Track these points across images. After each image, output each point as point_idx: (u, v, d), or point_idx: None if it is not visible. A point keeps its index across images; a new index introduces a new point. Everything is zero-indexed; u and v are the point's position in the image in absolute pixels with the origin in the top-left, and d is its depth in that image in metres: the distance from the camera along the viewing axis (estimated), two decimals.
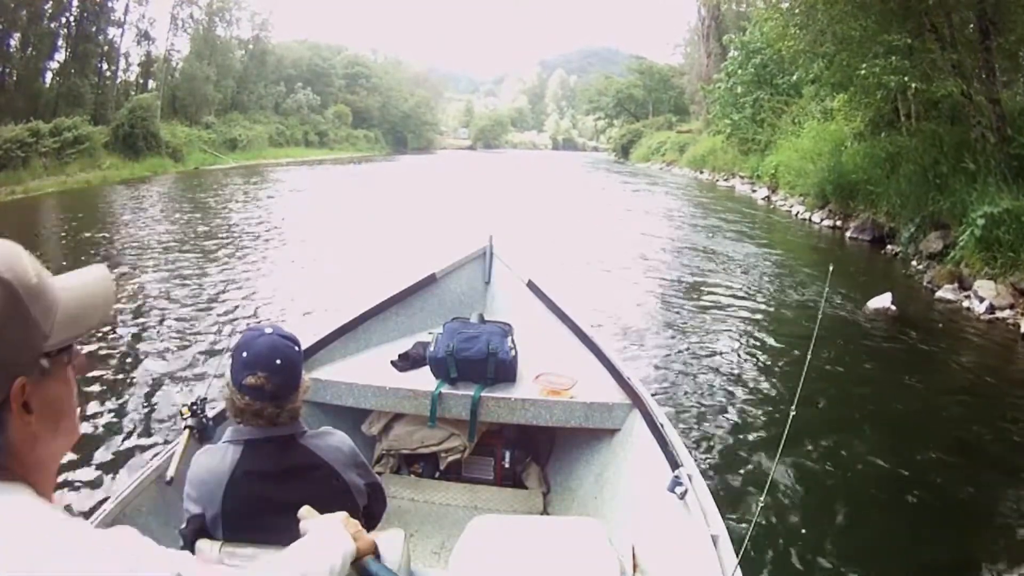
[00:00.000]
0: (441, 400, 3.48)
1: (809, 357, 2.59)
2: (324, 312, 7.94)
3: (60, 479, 4.25)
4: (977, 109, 10.90)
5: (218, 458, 1.93)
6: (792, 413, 2.23)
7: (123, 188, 25.14)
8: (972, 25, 11.12)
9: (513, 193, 27.94)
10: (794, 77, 20.09)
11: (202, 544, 1.88)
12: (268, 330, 1.97)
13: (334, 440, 2.07)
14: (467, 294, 4.81)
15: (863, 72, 11.60)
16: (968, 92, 10.80)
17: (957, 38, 11.19)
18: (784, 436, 2.22)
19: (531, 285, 4.49)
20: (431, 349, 3.60)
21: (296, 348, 1.99)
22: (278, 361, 1.91)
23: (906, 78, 11.09)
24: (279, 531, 1.78)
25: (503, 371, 3.55)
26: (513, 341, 3.66)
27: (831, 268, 4.04)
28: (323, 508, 1.87)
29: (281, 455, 1.94)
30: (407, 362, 3.80)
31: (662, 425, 3.01)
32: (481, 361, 3.50)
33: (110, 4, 38.09)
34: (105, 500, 2.86)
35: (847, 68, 13.00)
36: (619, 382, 3.46)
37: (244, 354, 1.90)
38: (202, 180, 29.58)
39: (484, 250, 4.96)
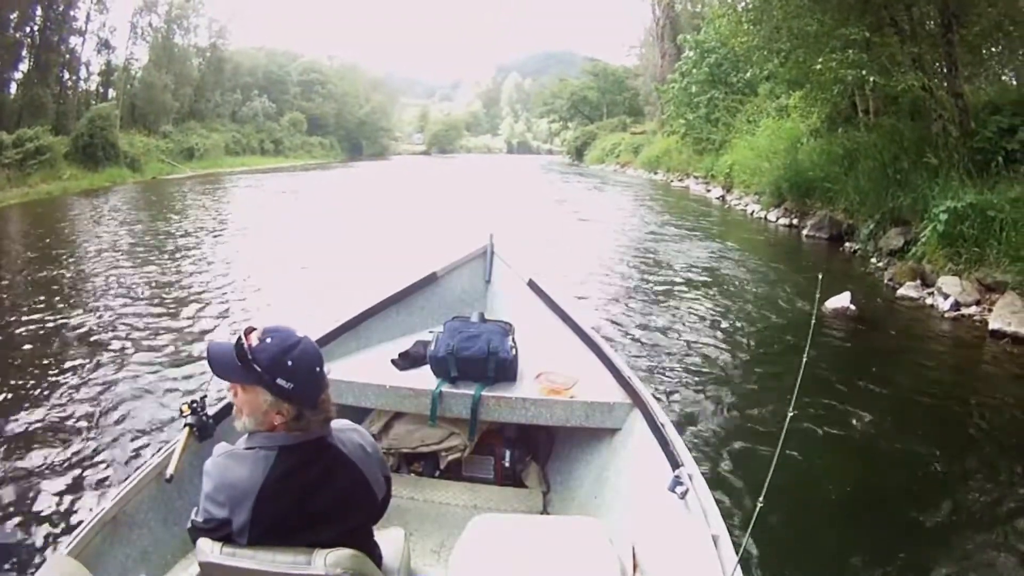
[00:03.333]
0: (441, 399, 3.49)
1: (805, 360, 2.68)
2: (308, 312, 8.11)
3: (59, 480, 4.43)
4: (939, 103, 10.72)
5: (249, 464, 1.85)
6: (790, 414, 2.25)
7: (85, 199, 24.62)
8: (933, 19, 10.95)
9: (466, 197, 27.87)
10: (748, 75, 19.97)
11: (202, 544, 1.84)
12: (300, 333, 1.92)
13: (356, 436, 2.06)
14: (468, 293, 4.84)
15: (819, 67, 11.36)
16: (929, 86, 10.61)
17: (917, 31, 11.02)
18: (782, 437, 2.18)
19: (532, 284, 4.51)
20: (432, 348, 3.62)
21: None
22: (317, 368, 1.91)
23: (864, 72, 10.89)
24: (305, 537, 1.83)
25: (504, 370, 3.54)
26: (514, 340, 3.67)
27: (820, 277, 4.08)
28: (348, 509, 1.95)
29: (314, 459, 1.90)
30: (408, 361, 3.82)
31: (663, 425, 2.98)
32: (482, 360, 3.51)
33: (72, 13, 37.83)
34: (105, 498, 2.92)
35: (803, 64, 12.82)
36: (620, 381, 3.45)
37: (290, 362, 1.83)
38: (161, 190, 29.22)
39: (485, 249, 4.97)
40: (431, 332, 3.84)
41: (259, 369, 1.82)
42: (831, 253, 12.94)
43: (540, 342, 4.00)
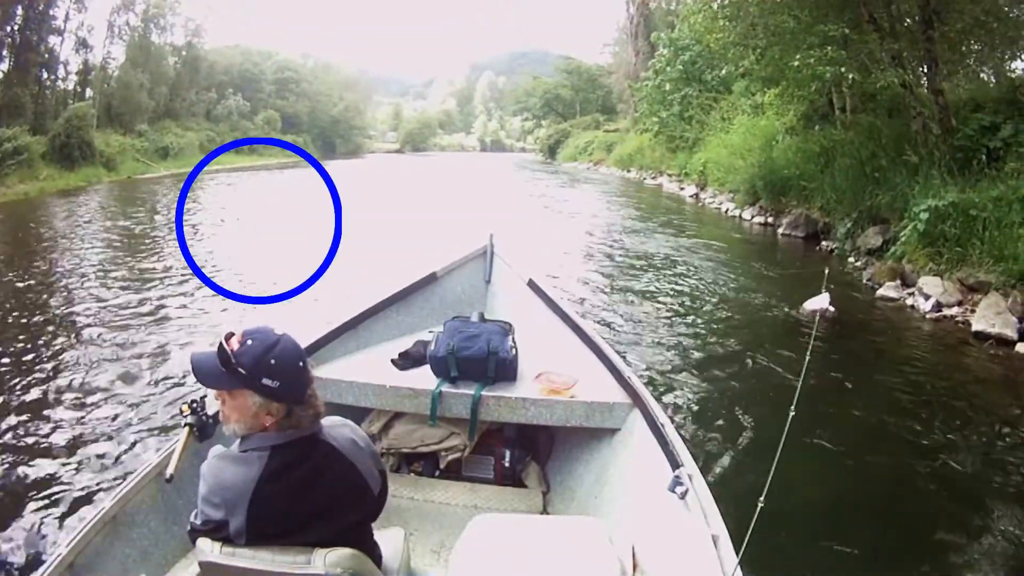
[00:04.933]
0: (441, 399, 3.49)
1: (808, 359, 2.67)
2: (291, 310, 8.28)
3: (59, 480, 4.45)
4: (919, 100, 10.60)
5: (243, 466, 1.86)
6: (791, 414, 2.23)
7: (63, 199, 24.08)
8: (913, 16, 10.87)
9: (442, 195, 27.84)
10: (723, 72, 19.86)
11: (202, 543, 1.85)
12: (279, 331, 1.93)
13: (348, 431, 2.07)
14: (468, 293, 4.84)
15: (797, 63, 11.25)
16: (909, 83, 10.46)
17: (897, 28, 10.89)
18: (783, 437, 2.15)
19: (532, 284, 4.52)
20: (432, 348, 3.61)
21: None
22: (300, 363, 1.92)
23: (843, 69, 10.79)
24: (303, 535, 1.85)
25: (503, 370, 3.54)
26: (514, 340, 3.66)
27: (826, 271, 4.06)
28: (343, 505, 1.96)
29: (306, 456, 1.90)
30: (408, 360, 3.82)
31: (662, 425, 2.98)
32: (482, 360, 3.51)
33: (51, 12, 37.21)
34: (105, 498, 2.86)
35: (779, 61, 12.69)
36: (619, 381, 3.45)
37: (273, 360, 1.85)
38: (137, 189, 28.75)
39: (485, 249, 4.96)
40: (431, 332, 3.84)
41: (244, 372, 1.83)
42: (807, 252, 12.84)
43: (540, 342, 4.01)
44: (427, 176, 41.87)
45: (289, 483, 1.85)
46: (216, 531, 1.85)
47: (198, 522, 1.89)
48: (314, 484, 1.89)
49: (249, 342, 1.86)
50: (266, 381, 1.84)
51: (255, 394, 1.85)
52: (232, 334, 1.89)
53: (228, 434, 1.94)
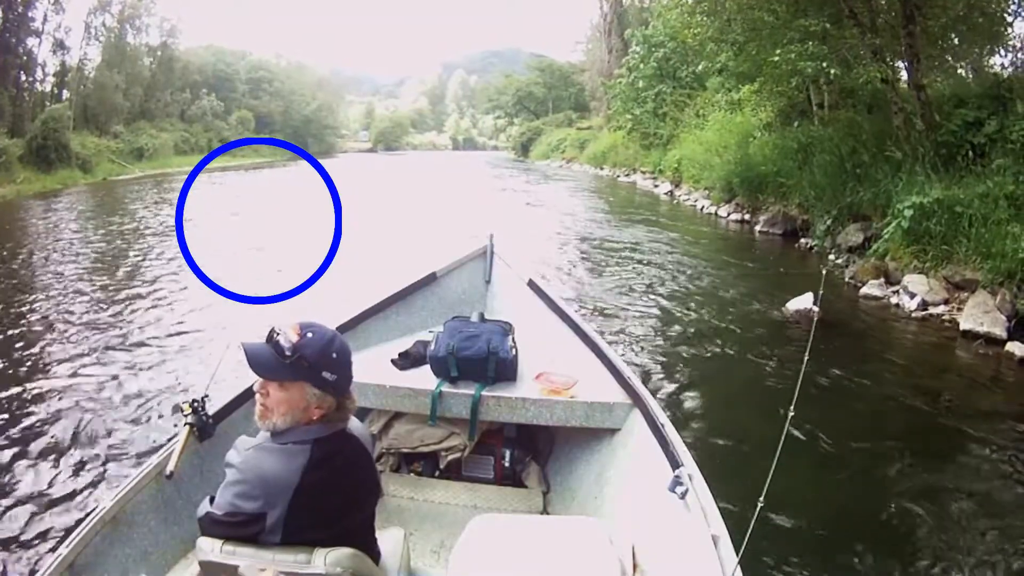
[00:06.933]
0: (441, 399, 3.50)
1: (807, 358, 2.71)
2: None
3: (59, 479, 4.45)
4: (900, 96, 10.45)
5: (284, 458, 1.84)
6: (790, 414, 2.24)
7: (42, 201, 23.53)
8: (894, 10, 10.74)
9: (418, 195, 27.83)
10: (699, 68, 19.74)
11: (203, 542, 1.83)
12: (331, 327, 1.97)
13: (359, 425, 2.10)
14: (468, 293, 4.82)
15: (776, 59, 11.08)
16: (891, 78, 10.34)
17: (878, 23, 10.74)
18: (783, 437, 2.14)
19: (532, 284, 4.51)
20: (432, 348, 3.62)
21: None
22: (351, 359, 1.98)
23: (824, 64, 10.63)
24: (330, 529, 1.84)
25: (504, 370, 3.53)
26: (514, 340, 3.66)
27: (823, 272, 3.90)
28: (363, 500, 2.02)
29: (341, 449, 1.93)
30: (407, 360, 3.81)
31: (663, 425, 2.98)
32: (482, 360, 3.51)
33: (30, 13, 36.69)
34: (105, 498, 2.86)
35: (756, 57, 12.55)
36: (620, 382, 3.45)
37: (335, 354, 1.90)
38: (114, 192, 28.22)
39: (485, 249, 4.93)
40: (431, 332, 3.86)
41: (307, 364, 1.84)
42: (786, 249, 12.73)
43: (540, 342, 4.01)
44: (402, 175, 41.53)
45: (329, 477, 1.85)
46: (245, 525, 1.79)
47: (219, 513, 1.82)
48: (347, 478, 1.91)
49: (309, 335, 1.87)
50: (326, 374, 1.86)
51: (312, 387, 1.86)
52: (277, 330, 1.88)
53: (267, 428, 1.91)
